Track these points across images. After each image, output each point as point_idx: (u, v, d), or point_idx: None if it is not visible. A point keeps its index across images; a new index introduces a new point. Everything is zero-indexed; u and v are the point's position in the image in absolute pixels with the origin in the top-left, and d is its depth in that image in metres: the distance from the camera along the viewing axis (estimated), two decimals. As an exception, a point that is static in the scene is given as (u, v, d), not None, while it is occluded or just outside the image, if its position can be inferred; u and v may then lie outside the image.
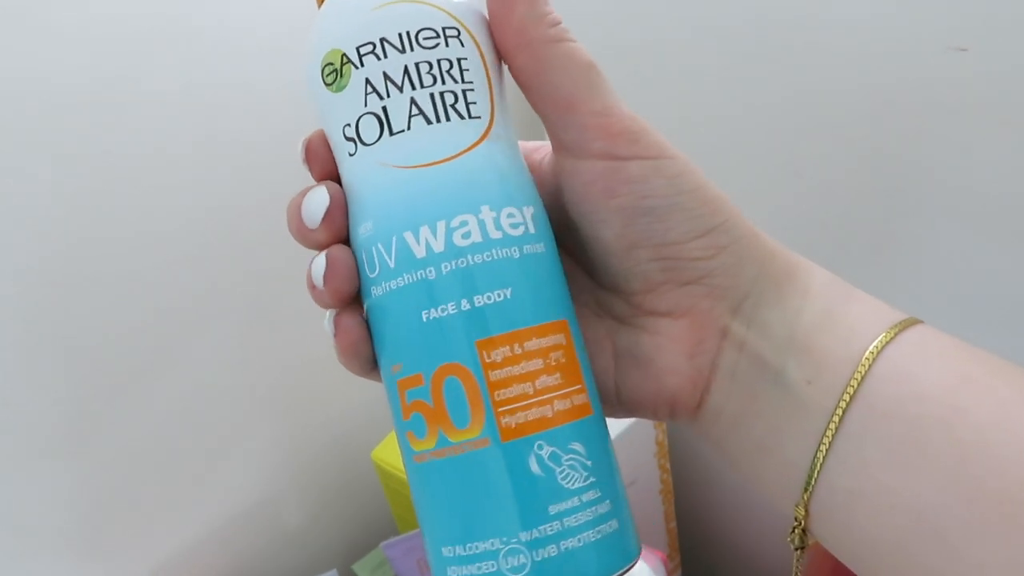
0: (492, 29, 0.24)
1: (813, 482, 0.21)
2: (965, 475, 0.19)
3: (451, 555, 0.22)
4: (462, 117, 0.23)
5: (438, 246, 0.22)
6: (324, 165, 0.25)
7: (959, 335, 0.23)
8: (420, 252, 0.22)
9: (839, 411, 0.21)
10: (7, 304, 0.45)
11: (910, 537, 0.20)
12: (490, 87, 0.23)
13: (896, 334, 0.21)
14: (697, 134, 0.54)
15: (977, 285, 0.44)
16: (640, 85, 0.56)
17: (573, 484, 0.21)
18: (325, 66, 0.23)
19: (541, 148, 0.28)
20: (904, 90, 0.42)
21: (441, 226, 0.22)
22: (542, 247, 0.23)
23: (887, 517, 0.20)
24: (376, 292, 0.23)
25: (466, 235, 0.22)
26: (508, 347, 0.22)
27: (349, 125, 0.23)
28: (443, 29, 0.23)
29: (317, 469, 0.67)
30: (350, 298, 0.24)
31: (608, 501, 0.22)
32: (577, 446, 0.22)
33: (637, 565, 0.54)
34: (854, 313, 0.23)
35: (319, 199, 0.23)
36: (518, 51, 0.23)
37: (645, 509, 0.66)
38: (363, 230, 0.23)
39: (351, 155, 0.23)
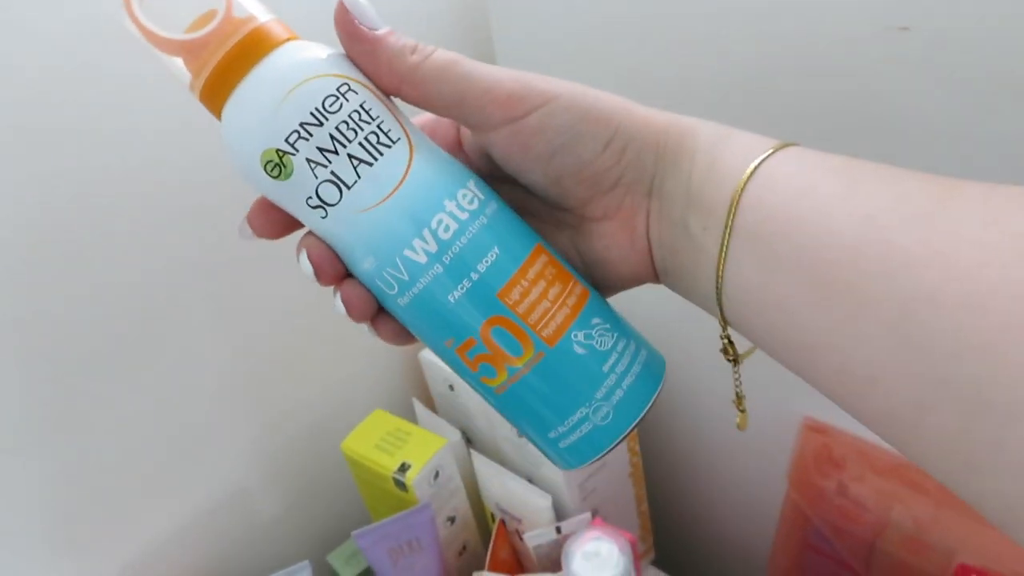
0: (368, 76, 0.28)
1: (720, 300, 0.27)
2: (803, 266, 0.24)
3: (556, 435, 0.29)
4: (389, 145, 0.27)
5: (431, 247, 0.27)
6: (269, 225, 0.29)
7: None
8: (422, 258, 0.27)
9: (724, 247, 0.26)
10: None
11: (782, 327, 0.25)
12: (390, 109, 0.28)
13: (755, 168, 0.26)
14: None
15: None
16: (587, 53, 0.56)
17: (606, 345, 0.28)
18: (266, 164, 0.27)
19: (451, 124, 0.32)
20: (846, 69, 0.43)
21: (426, 233, 0.27)
22: (493, 204, 0.29)
23: (763, 315, 0.26)
24: (403, 301, 0.28)
25: (447, 228, 0.27)
26: (519, 286, 0.28)
27: (311, 197, 0.27)
28: (338, 90, 0.27)
29: (288, 461, 0.67)
30: (373, 315, 0.29)
31: (631, 342, 0.29)
32: (596, 320, 0.29)
33: (607, 548, 0.55)
34: (727, 157, 0.27)
35: (304, 266, 0.28)
36: (399, 88, 0.28)
37: (615, 493, 0.67)
38: (367, 265, 0.28)
39: (323, 218, 0.28)
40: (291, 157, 0.26)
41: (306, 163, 0.26)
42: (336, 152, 0.27)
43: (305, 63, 0.27)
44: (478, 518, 0.69)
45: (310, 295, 0.28)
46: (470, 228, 0.27)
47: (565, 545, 0.56)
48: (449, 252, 0.27)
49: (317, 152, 0.26)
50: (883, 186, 0.24)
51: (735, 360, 0.30)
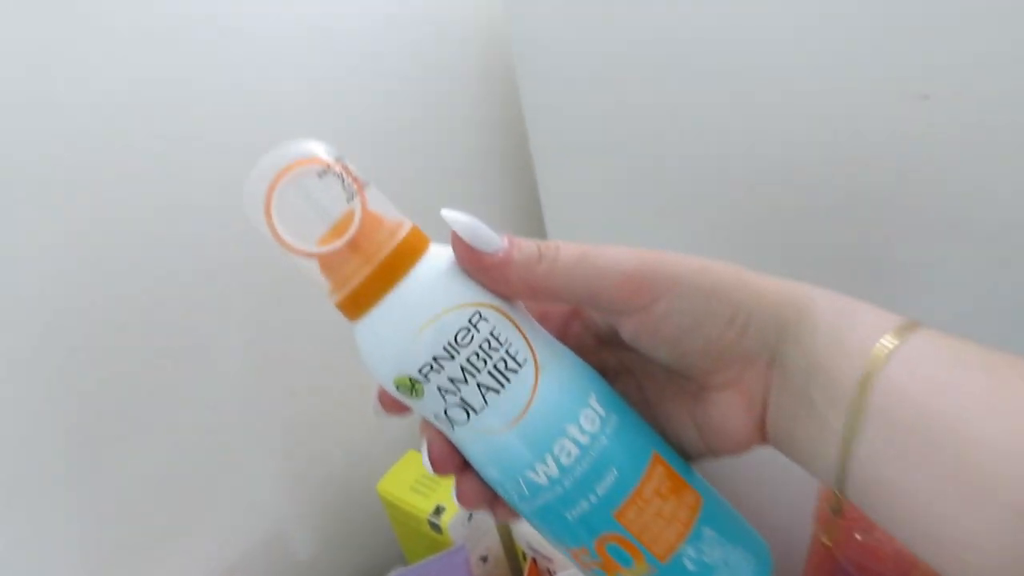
0: (499, 294, 0.28)
1: (842, 482, 0.27)
2: (948, 466, 0.24)
3: None
4: (516, 371, 0.28)
5: (553, 472, 0.28)
6: (400, 406, 0.30)
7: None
8: (543, 481, 0.28)
9: (851, 426, 0.26)
10: (9, 331, 0.45)
11: (914, 515, 0.25)
12: (519, 329, 0.28)
13: (894, 347, 0.26)
14: (683, 176, 0.56)
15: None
16: (610, 79, 0.57)
17: (715, 558, 0.29)
18: (398, 386, 0.28)
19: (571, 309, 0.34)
20: (872, 135, 0.44)
21: (548, 459, 0.28)
22: (615, 418, 0.29)
23: (894, 499, 0.26)
24: (526, 509, 0.29)
25: (568, 454, 0.28)
26: (635, 505, 0.28)
27: (438, 417, 0.29)
28: (469, 321, 0.27)
29: (324, 502, 0.68)
30: (485, 503, 0.31)
31: (739, 547, 0.30)
32: (707, 531, 0.29)
33: None
34: (853, 335, 0.27)
35: (424, 463, 0.30)
36: (531, 298, 0.29)
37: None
38: (490, 473, 0.29)
39: (451, 430, 0.29)
40: (422, 385, 0.27)
41: (437, 391, 0.28)
42: (466, 382, 0.27)
43: (438, 295, 0.27)
44: (510, 557, 0.69)
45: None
46: (591, 452, 0.28)
47: (597, 586, 0.56)
48: (570, 477, 0.28)
49: (448, 382, 0.27)
50: (1019, 385, 0.24)
51: (840, 513, 0.31)
